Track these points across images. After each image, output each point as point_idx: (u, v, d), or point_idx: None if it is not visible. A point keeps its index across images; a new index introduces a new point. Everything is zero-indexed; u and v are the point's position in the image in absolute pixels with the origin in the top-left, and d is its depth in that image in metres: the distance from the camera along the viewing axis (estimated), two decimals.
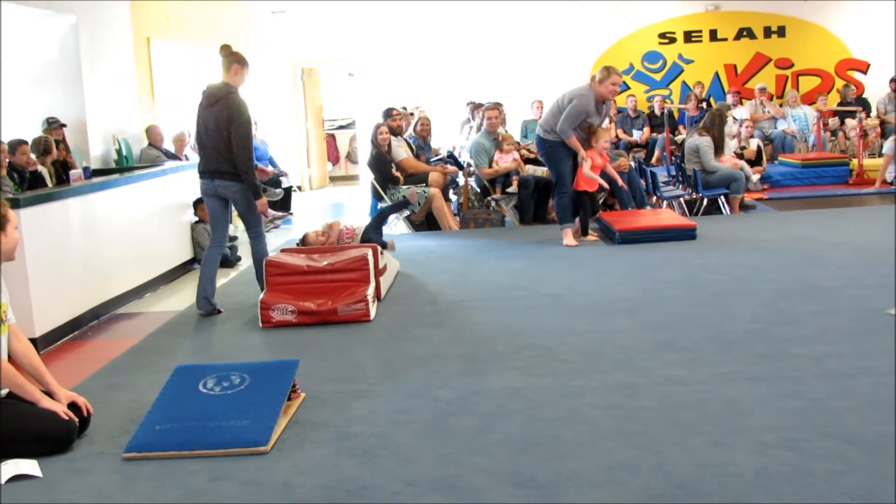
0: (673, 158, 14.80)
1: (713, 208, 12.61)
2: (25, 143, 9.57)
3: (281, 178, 15.71)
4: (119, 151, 11.78)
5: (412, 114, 15.83)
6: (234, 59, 8.19)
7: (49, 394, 5.02)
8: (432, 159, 13.82)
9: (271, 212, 14.13)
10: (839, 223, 10.84)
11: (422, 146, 13.68)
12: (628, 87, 19.60)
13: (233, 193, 8.10)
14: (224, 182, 8.05)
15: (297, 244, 8.94)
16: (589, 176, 10.32)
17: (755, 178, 14.50)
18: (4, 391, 4.91)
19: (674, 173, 14.05)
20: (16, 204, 7.09)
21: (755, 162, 14.97)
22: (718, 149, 12.67)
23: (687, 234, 10.13)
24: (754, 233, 10.55)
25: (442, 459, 4.44)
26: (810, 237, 9.98)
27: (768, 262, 8.77)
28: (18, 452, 4.68)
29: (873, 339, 5.99)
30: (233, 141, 7.89)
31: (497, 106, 13.62)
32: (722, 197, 12.46)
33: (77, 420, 4.96)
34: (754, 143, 15.33)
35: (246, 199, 8.13)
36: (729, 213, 12.38)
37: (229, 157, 7.93)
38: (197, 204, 11.02)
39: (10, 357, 4.98)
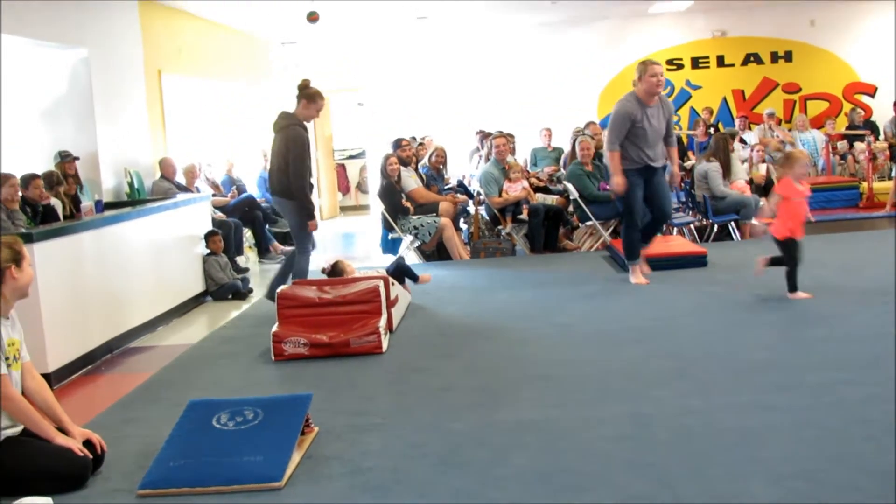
0: (683, 185, 14.79)
1: (724, 234, 12.61)
2: (38, 177, 9.60)
3: None
4: (131, 184, 11.81)
5: (422, 144, 15.87)
6: (303, 95, 9.35)
7: (63, 431, 5.03)
8: (445, 188, 13.86)
9: (280, 246, 14.15)
10: (850, 247, 10.84)
11: (434, 176, 13.71)
12: None
13: (287, 211, 9.32)
14: (280, 200, 9.27)
15: (326, 270, 8.84)
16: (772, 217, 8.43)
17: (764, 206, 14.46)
18: (19, 428, 4.93)
19: (683, 200, 14.05)
20: (29, 238, 7.11)
21: (767, 190, 14.94)
22: (727, 172, 12.68)
23: (698, 261, 10.13)
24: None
25: (456, 493, 4.43)
26: (821, 262, 9.95)
27: (780, 288, 8.75)
28: (33, 490, 4.69)
29: (888, 366, 5.96)
30: (289, 167, 8.97)
31: (505, 135, 13.66)
32: (732, 223, 12.46)
33: (91, 457, 4.97)
34: (763, 168, 15.31)
35: (297, 218, 9.19)
36: (740, 238, 12.37)
37: (284, 179, 9.03)
38: (208, 237, 11.05)
39: (23, 394, 4.99)
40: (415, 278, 9.54)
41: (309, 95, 9.35)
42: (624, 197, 9.25)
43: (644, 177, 9.27)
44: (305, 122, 9.35)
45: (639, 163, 9.20)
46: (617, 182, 9.13)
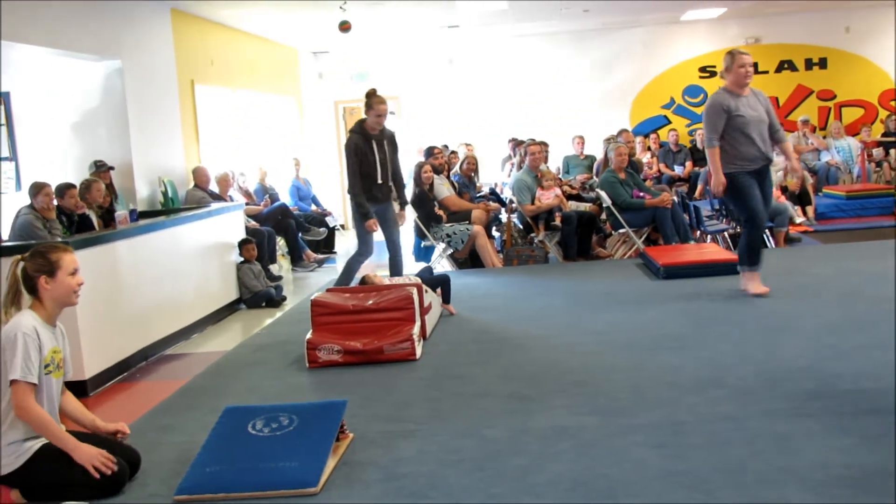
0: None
1: None
2: (73, 186, 9.68)
3: (325, 218, 15.76)
4: (165, 193, 11.89)
5: (454, 152, 15.89)
6: (366, 103, 9.73)
7: (95, 431, 5.16)
8: (477, 195, 13.87)
9: (313, 255, 14.20)
10: (885, 255, 10.75)
11: (466, 184, 13.72)
12: (670, 122, 19.61)
13: (352, 213, 9.95)
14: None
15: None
16: None
17: (800, 219, 14.40)
18: None
19: (717, 207, 13.99)
20: (68, 250, 7.16)
21: (804, 199, 14.87)
22: None
23: (731, 268, 10.05)
24: (800, 266, 10.50)
25: (491, 499, 4.44)
26: (856, 270, 9.91)
27: (815, 295, 8.72)
28: (72, 496, 4.75)
29: None
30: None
31: (540, 143, 13.66)
32: (766, 231, 12.40)
33: (125, 463, 5.00)
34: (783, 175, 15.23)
35: (355, 220, 9.85)
36: (774, 246, 12.31)
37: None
38: (242, 245, 11.10)
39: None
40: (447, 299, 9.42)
41: (367, 103, 9.69)
42: (742, 203, 8.71)
43: (757, 177, 8.69)
44: (372, 130, 9.66)
45: (752, 162, 8.62)
46: (717, 183, 8.64)
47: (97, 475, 4.78)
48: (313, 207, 16.22)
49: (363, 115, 9.72)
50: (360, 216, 9.63)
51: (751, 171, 8.63)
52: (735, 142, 8.59)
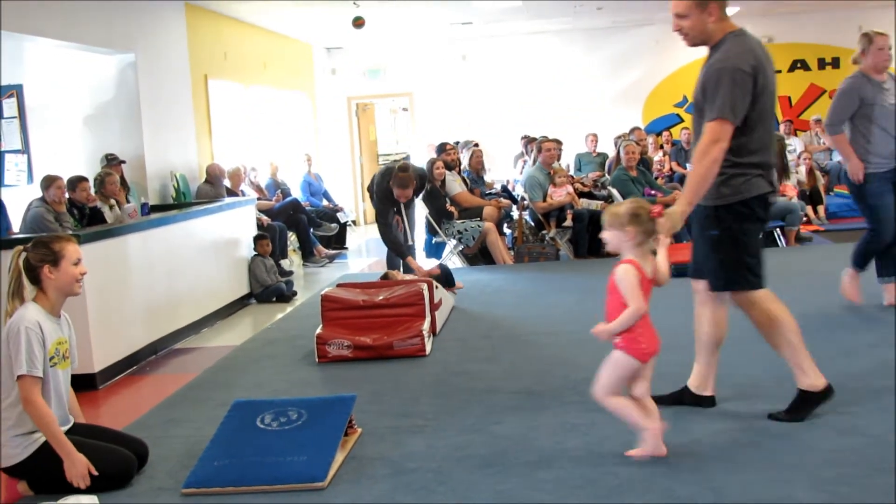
0: None
1: (769, 241, 12.52)
2: (85, 179, 9.70)
3: (337, 213, 15.78)
4: (177, 188, 11.90)
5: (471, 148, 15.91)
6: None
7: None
8: (487, 192, 13.86)
9: (324, 250, 14.21)
10: None
11: (475, 179, 13.71)
12: (682, 120, 19.58)
13: None
14: None
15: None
16: None
17: (815, 218, 14.38)
18: (65, 427, 4.97)
19: None
20: (75, 240, 7.17)
21: (815, 198, 14.83)
22: (781, 175, 12.59)
23: None
24: (811, 265, 10.48)
25: (499, 496, 4.44)
26: (867, 270, 9.87)
27: (825, 295, 8.69)
28: (78, 488, 4.74)
29: None
30: None
31: (554, 141, 13.65)
32: (778, 229, 12.38)
33: (132, 456, 5.01)
34: (802, 171, 15.19)
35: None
36: (785, 245, 12.29)
37: None
38: (257, 240, 11.12)
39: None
40: (452, 284, 9.62)
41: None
42: (872, 209, 7.77)
43: (893, 181, 7.65)
44: (396, 194, 9.95)
45: (888, 159, 7.60)
46: (855, 168, 7.65)
47: (81, 485, 4.77)
48: (325, 203, 16.23)
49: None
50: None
51: (885, 172, 7.61)
52: (869, 134, 7.63)
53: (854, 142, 7.66)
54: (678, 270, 9.86)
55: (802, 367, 5.25)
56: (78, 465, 4.76)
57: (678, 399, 5.63)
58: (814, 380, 5.24)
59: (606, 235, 4.78)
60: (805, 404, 5.24)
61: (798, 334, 5.29)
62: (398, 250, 9.91)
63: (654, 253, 4.83)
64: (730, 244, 5.11)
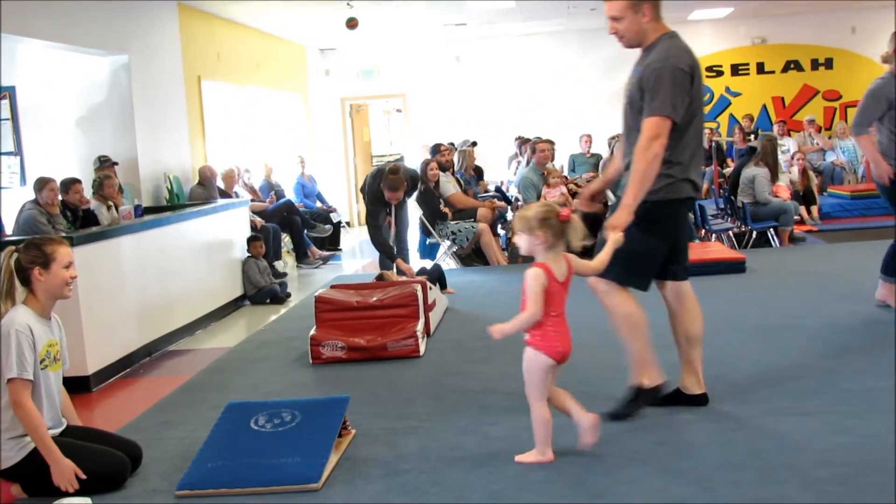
0: (721, 191, 14.74)
1: (762, 241, 12.55)
2: (78, 181, 9.70)
3: (330, 214, 15.78)
4: (170, 189, 11.89)
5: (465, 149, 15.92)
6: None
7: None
8: (480, 194, 13.87)
9: (318, 251, 14.20)
10: None
11: (468, 180, 13.73)
12: None
13: None
14: None
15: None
16: None
17: (808, 219, 14.39)
18: (58, 430, 4.97)
19: (722, 206, 14.00)
20: (68, 242, 7.15)
21: (808, 198, 14.85)
22: (774, 176, 12.62)
23: (736, 267, 10.08)
24: (804, 265, 10.50)
25: (493, 496, 4.44)
26: (861, 269, 9.88)
27: (818, 295, 8.71)
28: (77, 487, 4.73)
29: None
30: None
31: (547, 141, 13.66)
32: (771, 230, 12.40)
33: (126, 458, 5.00)
34: (795, 171, 15.21)
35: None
36: (778, 245, 12.31)
37: None
38: (251, 241, 11.12)
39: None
40: (444, 287, 9.68)
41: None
42: None
43: None
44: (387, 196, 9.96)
45: None
46: (882, 172, 7.54)
47: (69, 489, 4.76)
48: (318, 204, 16.23)
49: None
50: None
51: None
52: None
53: (882, 143, 7.56)
54: (694, 270, 9.92)
55: (646, 367, 5.51)
56: (65, 471, 4.73)
57: (672, 400, 5.65)
58: (656, 376, 5.50)
59: (517, 240, 4.86)
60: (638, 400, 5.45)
61: (643, 332, 5.56)
62: (386, 252, 9.94)
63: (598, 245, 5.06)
64: (636, 239, 5.15)
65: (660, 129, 5.01)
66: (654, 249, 5.36)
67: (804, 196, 14.76)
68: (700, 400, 5.60)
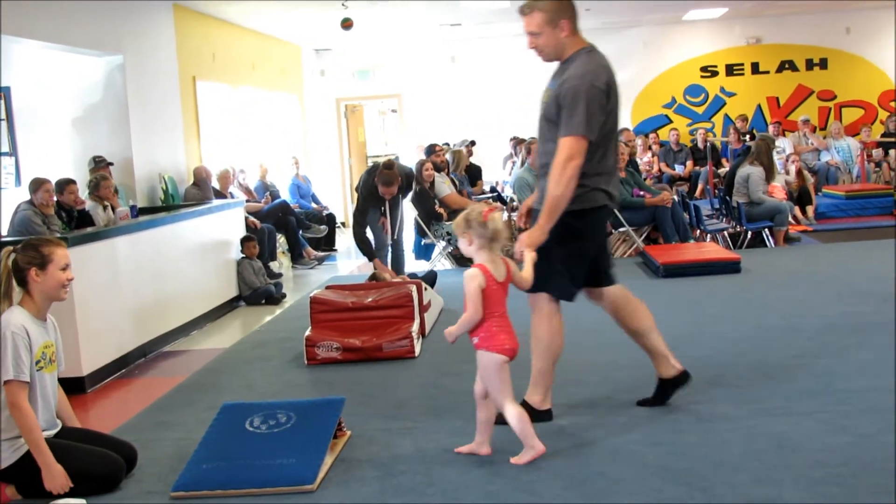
0: (716, 191, 14.75)
1: (757, 241, 12.56)
2: (73, 182, 9.67)
3: (325, 215, 15.77)
4: (165, 190, 11.88)
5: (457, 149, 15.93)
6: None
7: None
8: (474, 195, 13.88)
9: (314, 252, 14.20)
10: (884, 255, 10.75)
11: (460, 181, 13.74)
12: (671, 121, 19.62)
13: None
14: None
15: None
16: None
17: (802, 219, 14.40)
18: (53, 431, 4.96)
19: (717, 206, 14.00)
20: (63, 242, 7.15)
21: (804, 199, 14.85)
22: (769, 176, 12.62)
23: (731, 267, 10.09)
24: (799, 265, 10.51)
25: (488, 496, 4.44)
26: (855, 269, 9.92)
27: (813, 295, 8.73)
28: (66, 492, 4.72)
29: None
30: None
31: (534, 138, 13.66)
32: (766, 230, 12.41)
33: (121, 459, 4.99)
34: (793, 172, 15.21)
35: None
36: (773, 245, 12.32)
37: None
38: (244, 241, 11.10)
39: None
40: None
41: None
42: None
43: None
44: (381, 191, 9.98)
45: None
46: None
47: (60, 492, 4.75)
48: (314, 205, 16.22)
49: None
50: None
51: None
52: None
53: None
54: (668, 271, 9.98)
55: (538, 386, 5.54)
56: (56, 477, 4.71)
57: (662, 393, 5.73)
58: (540, 401, 5.54)
59: (459, 245, 4.96)
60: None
61: (554, 359, 5.57)
62: (366, 250, 9.93)
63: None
64: (556, 251, 5.24)
65: (575, 149, 5.07)
66: (577, 260, 5.43)
67: (799, 196, 14.77)
68: (682, 379, 5.66)
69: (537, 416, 5.42)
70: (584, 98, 5.06)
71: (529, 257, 5.03)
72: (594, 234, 5.50)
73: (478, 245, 4.78)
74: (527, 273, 5.01)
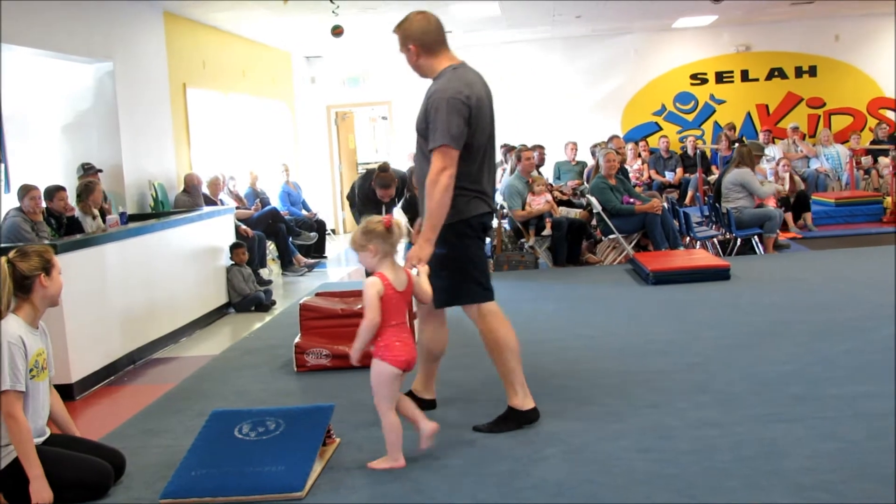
0: (706, 199, 14.77)
1: (747, 248, 12.58)
2: (63, 189, 9.66)
3: (315, 222, 15.75)
4: (155, 197, 11.87)
5: None
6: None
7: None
8: None
9: (304, 259, 14.18)
10: (873, 261, 10.79)
11: None
12: (661, 128, 19.65)
13: None
14: None
15: None
16: None
17: (794, 228, 14.42)
18: (42, 438, 4.95)
19: (707, 213, 14.03)
20: (53, 249, 7.13)
21: (804, 204, 14.83)
22: None
23: (721, 274, 10.10)
24: (788, 272, 10.52)
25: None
26: (845, 276, 9.94)
27: (803, 301, 8.74)
28: (56, 498, 4.71)
29: None
30: None
31: (536, 146, 13.68)
32: (756, 237, 12.43)
33: (109, 467, 4.98)
34: (787, 179, 15.23)
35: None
36: (763, 252, 12.34)
37: None
38: (233, 248, 11.09)
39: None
40: None
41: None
42: None
43: None
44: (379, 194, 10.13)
45: None
46: None
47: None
48: (304, 213, 16.20)
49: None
50: None
51: None
52: None
53: None
54: (658, 278, 9.99)
55: (514, 386, 5.57)
56: (43, 492, 4.69)
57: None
58: (521, 401, 5.57)
59: (360, 260, 5.11)
60: (508, 421, 5.57)
61: (516, 355, 5.57)
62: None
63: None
64: (456, 261, 5.41)
65: (445, 160, 5.23)
66: (472, 261, 5.56)
67: (798, 202, 14.76)
68: (430, 404, 6.02)
69: (524, 417, 5.54)
70: (445, 110, 5.27)
71: (423, 272, 5.16)
72: (482, 237, 5.65)
73: (381, 254, 4.93)
74: (426, 286, 5.15)
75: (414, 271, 5.14)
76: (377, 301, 4.85)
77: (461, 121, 5.28)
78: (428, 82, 5.63)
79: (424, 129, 5.42)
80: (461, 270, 5.44)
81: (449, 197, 5.21)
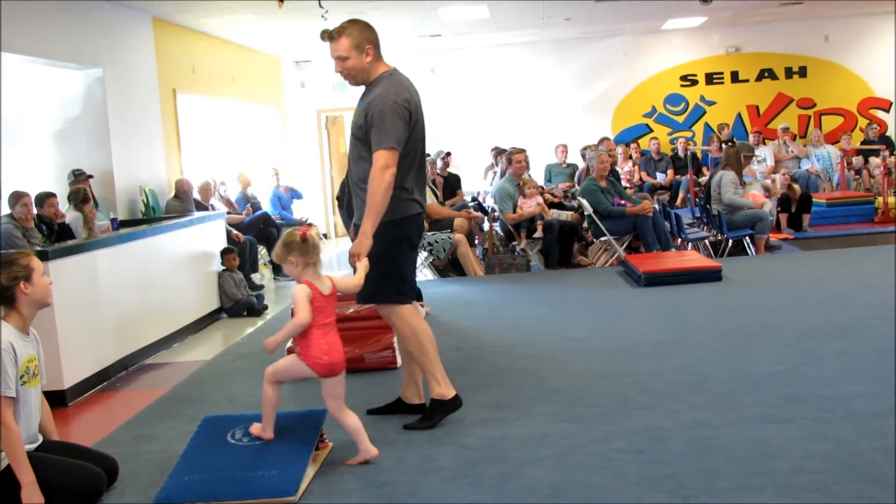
0: (697, 200, 14.79)
1: (738, 249, 12.59)
2: (53, 195, 9.65)
3: (301, 223, 15.75)
4: (146, 202, 11.86)
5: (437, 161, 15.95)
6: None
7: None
8: (456, 205, 13.89)
9: None
10: (865, 262, 10.81)
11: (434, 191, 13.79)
12: (651, 130, 19.67)
13: None
14: None
15: None
16: None
17: (785, 229, 14.46)
18: (34, 445, 4.94)
19: (698, 215, 14.05)
20: (44, 256, 7.15)
21: (806, 205, 14.81)
22: (740, 183, 12.68)
23: (712, 275, 10.11)
24: (780, 273, 10.53)
25: None
26: (836, 277, 9.95)
27: (794, 302, 8.75)
28: None
29: None
30: None
31: (521, 149, 13.68)
32: (747, 238, 12.44)
33: (102, 472, 4.98)
34: (779, 181, 15.26)
35: None
36: (754, 253, 12.36)
37: None
38: (224, 254, 11.08)
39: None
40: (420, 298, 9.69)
41: None
42: None
43: None
44: None
45: None
46: None
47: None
48: (296, 217, 16.20)
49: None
50: None
51: None
52: None
53: None
54: (649, 279, 10.01)
55: (436, 377, 5.76)
56: (35, 498, 4.66)
57: (394, 408, 6.10)
58: (444, 390, 5.78)
59: (286, 272, 5.25)
60: (436, 412, 5.76)
61: (434, 347, 5.78)
62: None
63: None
64: (382, 260, 5.53)
65: (389, 160, 5.45)
66: (403, 262, 5.80)
67: (801, 204, 14.75)
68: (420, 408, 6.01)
69: (451, 405, 5.79)
70: (390, 115, 5.52)
71: (362, 266, 5.37)
72: (411, 238, 5.79)
73: (303, 264, 5.09)
74: (357, 278, 5.33)
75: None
76: (307, 302, 5.02)
77: (403, 124, 5.54)
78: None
79: (364, 132, 5.60)
80: (385, 272, 5.57)
81: (390, 193, 5.42)
